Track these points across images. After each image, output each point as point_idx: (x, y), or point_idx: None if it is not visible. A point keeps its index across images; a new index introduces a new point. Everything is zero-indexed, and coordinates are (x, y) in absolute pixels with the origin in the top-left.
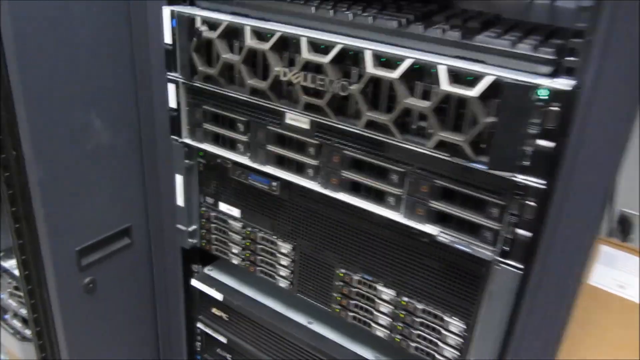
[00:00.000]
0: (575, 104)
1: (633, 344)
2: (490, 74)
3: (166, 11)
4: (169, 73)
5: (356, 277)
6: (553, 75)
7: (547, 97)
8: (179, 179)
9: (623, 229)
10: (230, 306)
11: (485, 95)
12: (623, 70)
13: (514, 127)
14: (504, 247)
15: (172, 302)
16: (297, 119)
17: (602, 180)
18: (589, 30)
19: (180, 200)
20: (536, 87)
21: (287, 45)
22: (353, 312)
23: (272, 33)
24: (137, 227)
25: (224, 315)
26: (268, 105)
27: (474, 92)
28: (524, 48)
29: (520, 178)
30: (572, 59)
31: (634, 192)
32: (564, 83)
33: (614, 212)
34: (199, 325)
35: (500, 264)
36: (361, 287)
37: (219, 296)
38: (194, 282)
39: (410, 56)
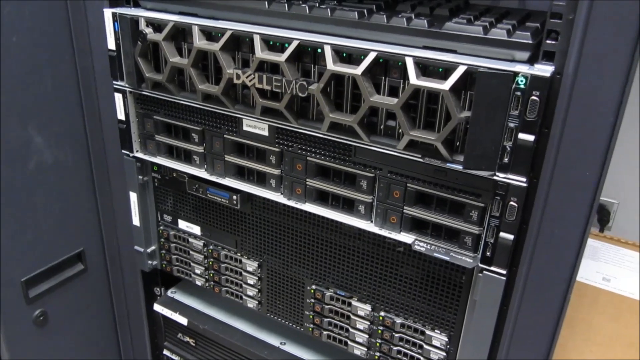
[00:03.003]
0: (557, 92)
1: (625, 340)
2: (463, 63)
3: (107, 14)
4: (115, 82)
5: (329, 293)
6: (531, 61)
7: (525, 86)
8: (133, 197)
9: (601, 218)
10: (196, 331)
11: (458, 88)
12: (607, 52)
13: (490, 121)
14: (486, 253)
15: (136, 330)
16: (255, 125)
17: (589, 175)
18: (568, 9)
19: (136, 220)
20: (513, 74)
21: (239, 45)
22: (327, 330)
23: (222, 32)
24: (91, 251)
25: (190, 341)
26: (223, 111)
27: (446, 84)
28: (498, 33)
29: (500, 176)
30: (551, 42)
31: (612, 179)
32: (543, 69)
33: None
34: (166, 352)
35: (483, 271)
36: (335, 304)
37: (183, 320)
38: (157, 307)
39: (373, 49)
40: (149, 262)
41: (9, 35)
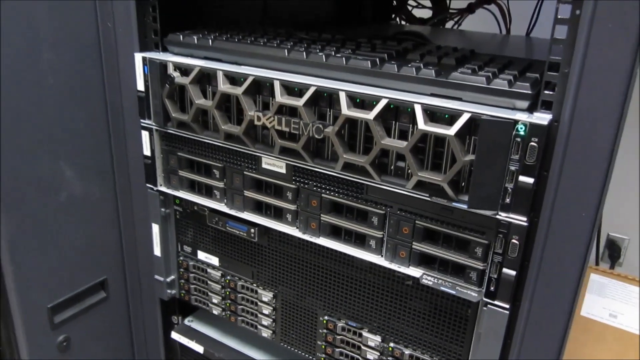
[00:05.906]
0: (554, 138)
1: None
2: (467, 111)
3: (138, 58)
4: (142, 120)
5: (340, 324)
6: (530, 109)
7: (524, 133)
8: (155, 228)
9: (611, 254)
10: (212, 359)
11: (463, 133)
12: (599, 102)
13: (492, 164)
14: (490, 287)
15: (153, 357)
16: (273, 164)
17: (585, 215)
18: (564, 63)
19: (157, 250)
20: (514, 122)
21: (260, 89)
22: None
23: (244, 77)
24: (113, 280)
25: None
26: (243, 150)
27: (452, 130)
28: (499, 84)
29: (502, 216)
30: (548, 92)
31: (622, 215)
32: (541, 117)
33: (600, 239)
34: None
35: (487, 305)
36: (346, 334)
37: (199, 349)
38: (174, 335)
39: (385, 96)
40: (168, 291)
41: (47, 78)
